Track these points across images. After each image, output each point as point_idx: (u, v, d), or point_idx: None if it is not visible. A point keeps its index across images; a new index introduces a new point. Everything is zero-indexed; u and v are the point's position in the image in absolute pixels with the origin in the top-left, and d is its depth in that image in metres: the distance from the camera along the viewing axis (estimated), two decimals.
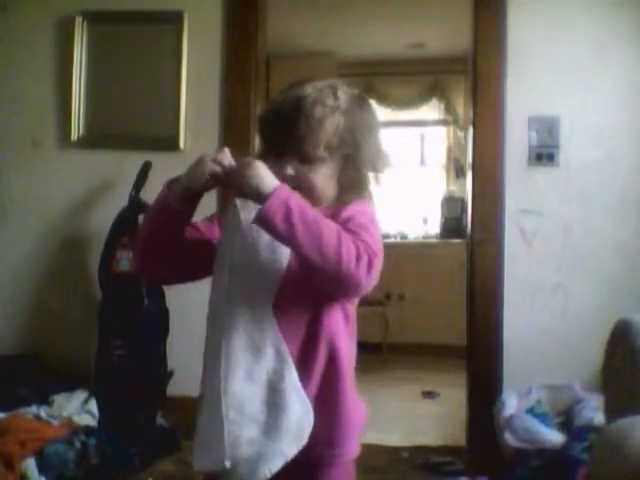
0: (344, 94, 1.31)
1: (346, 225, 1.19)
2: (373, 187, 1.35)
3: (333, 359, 1.23)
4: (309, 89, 1.28)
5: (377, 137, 1.34)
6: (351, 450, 1.26)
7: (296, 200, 1.14)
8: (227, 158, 1.20)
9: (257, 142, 3.10)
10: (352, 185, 1.30)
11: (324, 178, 1.27)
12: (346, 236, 1.14)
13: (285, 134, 1.25)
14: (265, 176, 1.16)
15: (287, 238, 1.13)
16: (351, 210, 1.24)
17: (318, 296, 1.22)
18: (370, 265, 1.14)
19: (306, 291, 1.22)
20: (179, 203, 1.22)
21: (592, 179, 2.99)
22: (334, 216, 1.21)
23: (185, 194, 1.22)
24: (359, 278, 1.13)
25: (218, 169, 1.19)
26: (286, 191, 1.15)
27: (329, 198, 1.29)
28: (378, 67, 5.91)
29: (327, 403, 1.22)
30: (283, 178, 1.22)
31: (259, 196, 1.14)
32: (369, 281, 1.15)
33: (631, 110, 2.98)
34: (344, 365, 1.24)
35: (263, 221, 1.13)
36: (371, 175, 1.33)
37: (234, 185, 1.18)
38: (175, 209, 1.22)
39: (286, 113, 1.26)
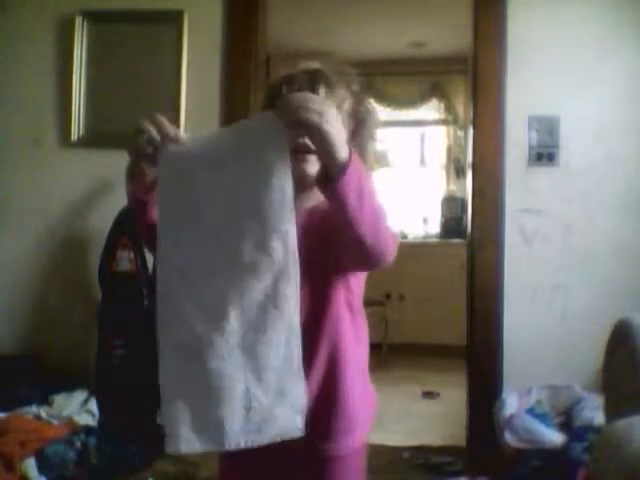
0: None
1: None
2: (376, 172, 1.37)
3: (335, 358, 1.22)
4: (315, 64, 1.31)
5: (376, 118, 1.35)
6: (351, 444, 1.25)
7: (364, 175, 1.03)
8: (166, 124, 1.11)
9: None
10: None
11: None
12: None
13: None
14: (341, 129, 1.00)
15: (352, 215, 1.02)
16: None
17: (319, 285, 1.21)
18: (394, 237, 1.13)
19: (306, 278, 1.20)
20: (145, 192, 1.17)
21: (592, 179, 2.99)
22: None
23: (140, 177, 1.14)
24: (391, 254, 1.11)
25: (154, 134, 1.11)
26: (357, 161, 1.01)
27: None
28: (378, 67, 5.90)
29: (327, 399, 1.22)
30: (297, 143, 1.14)
31: (334, 160, 0.99)
32: (393, 255, 1.13)
33: (632, 109, 2.98)
34: (347, 364, 1.23)
35: (337, 196, 1.00)
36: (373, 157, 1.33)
37: (294, 125, 1.00)
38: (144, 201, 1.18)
39: (303, 79, 1.27)
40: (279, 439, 1.04)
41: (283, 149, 1.01)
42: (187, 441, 1.03)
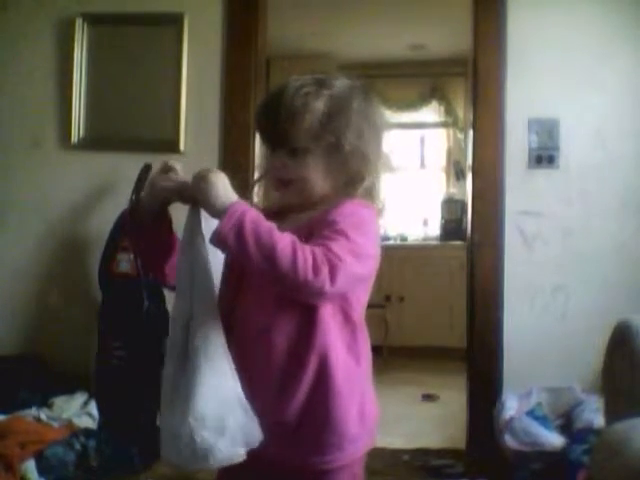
0: (337, 82, 1.30)
1: (323, 231, 1.18)
2: (378, 184, 1.32)
3: (323, 374, 1.21)
4: (294, 80, 1.28)
5: (370, 128, 1.30)
6: (342, 458, 1.24)
7: (250, 218, 1.13)
8: (175, 173, 1.22)
9: (257, 141, 3.12)
10: (347, 179, 1.28)
11: (312, 170, 1.26)
12: (303, 249, 1.12)
13: (270, 125, 1.28)
14: (219, 190, 1.16)
15: (241, 258, 1.14)
16: (336, 213, 1.21)
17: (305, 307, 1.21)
18: (333, 274, 1.12)
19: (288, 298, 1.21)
20: (149, 222, 1.25)
21: (592, 181, 2.99)
22: (322, 219, 1.21)
23: (150, 215, 1.24)
24: (319, 288, 1.12)
25: (170, 184, 1.21)
26: (241, 208, 1.14)
27: (323, 192, 1.28)
28: (378, 69, 5.91)
29: (315, 414, 1.22)
30: (273, 171, 1.28)
31: (213, 213, 1.15)
32: (334, 289, 1.13)
33: (631, 112, 2.98)
34: (339, 379, 1.22)
35: (216, 241, 1.13)
36: (374, 170, 1.30)
37: (188, 199, 1.20)
38: (149, 227, 1.25)
39: (270, 105, 1.28)
40: (225, 464, 1.16)
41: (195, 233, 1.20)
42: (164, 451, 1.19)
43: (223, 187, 1.16)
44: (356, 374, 1.26)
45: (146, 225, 1.25)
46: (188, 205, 1.22)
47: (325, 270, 1.11)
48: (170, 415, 1.17)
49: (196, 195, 1.17)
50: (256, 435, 1.17)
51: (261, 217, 1.15)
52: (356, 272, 1.17)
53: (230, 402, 1.16)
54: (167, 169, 1.22)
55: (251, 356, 1.22)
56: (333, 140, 1.26)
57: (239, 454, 1.16)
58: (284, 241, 1.12)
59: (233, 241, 1.11)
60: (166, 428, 1.18)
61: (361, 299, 1.28)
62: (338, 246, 1.15)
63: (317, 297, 1.17)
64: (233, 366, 1.18)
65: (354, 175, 1.28)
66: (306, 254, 1.11)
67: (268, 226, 1.13)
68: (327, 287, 1.12)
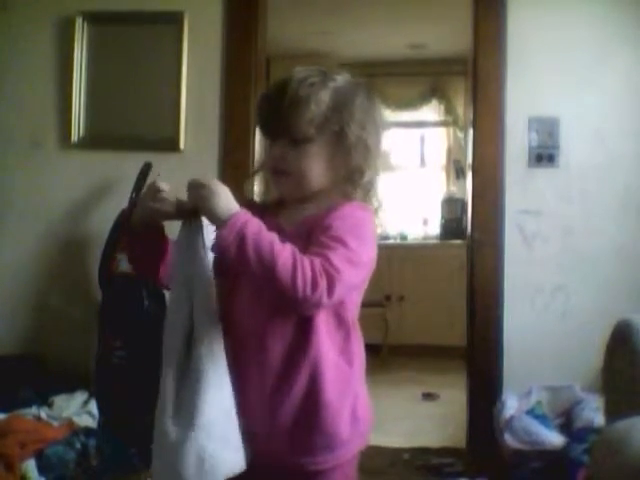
0: (340, 77, 1.31)
1: (320, 237, 1.18)
2: (377, 181, 1.33)
3: (316, 377, 1.22)
4: (298, 71, 1.29)
5: (372, 123, 1.31)
6: (333, 460, 1.25)
7: (252, 228, 1.13)
8: (166, 192, 1.20)
9: (257, 140, 3.11)
10: (347, 172, 1.29)
11: (313, 160, 1.27)
12: (302, 263, 1.12)
13: (273, 114, 1.27)
14: (221, 198, 1.16)
15: (241, 268, 1.15)
16: (335, 216, 1.22)
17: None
18: (330, 287, 1.13)
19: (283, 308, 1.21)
20: (142, 232, 1.25)
21: (592, 180, 2.99)
22: (318, 221, 1.22)
23: (141, 227, 1.24)
24: (316, 301, 1.13)
25: (159, 206, 1.19)
26: (243, 218, 1.14)
27: (321, 186, 1.29)
28: (378, 68, 5.90)
29: (307, 415, 1.23)
30: (272, 161, 1.28)
31: (214, 221, 1.15)
32: (331, 301, 1.15)
33: (631, 111, 2.98)
34: (331, 381, 1.23)
35: (218, 251, 1.14)
36: (373, 165, 1.31)
37: (186, 213, 1.19)
38: (142, 236, 1.25)
39: (273, 95, 1.28)
40: (229, 476, 1.17)
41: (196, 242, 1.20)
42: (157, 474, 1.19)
43: (225, 196, 1.16)
44: (348, 376, 1.27)
45: (139, 234, 1.25)
46: (182, 220, 1.20)
47: (323, 284, 1.12)
48: (174, 427, 1.15)
49: (197, 203, 1.16)
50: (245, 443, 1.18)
51: (263, 228, 1.15)
52: (353, 281, 1.19)
53: (230, 411, 1.17)
54: (155, 190, 1.20)
55: (246, 358, 1.23)
56: (337, 130, 1.27)
57: (241, 464, 1.17)
58: (284, 255, 1.12)
59: (235, 252, 1.12)
60: (167, 442, 1.15)
61: (355, 300, 1.30)
62: (336, 256, 1.15)
63: (314, 309, 1.18)
64: (229, 375, 1.19)
65: (355, 169, 1.29)
66: (305, 268, 1.12)
67: (269, 238, 1.13)
68: (324, 300, 1.13)
